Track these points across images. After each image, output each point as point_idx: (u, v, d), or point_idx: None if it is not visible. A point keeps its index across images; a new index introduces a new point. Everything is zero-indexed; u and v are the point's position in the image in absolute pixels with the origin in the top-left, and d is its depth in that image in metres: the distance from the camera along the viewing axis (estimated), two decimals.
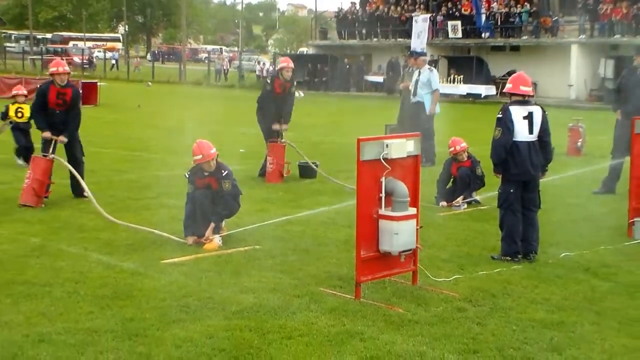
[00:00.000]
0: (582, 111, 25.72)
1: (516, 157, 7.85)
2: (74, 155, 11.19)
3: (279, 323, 5.99)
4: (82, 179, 10.79)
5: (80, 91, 11.35)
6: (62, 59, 12.20)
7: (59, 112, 10.91)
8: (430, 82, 15.30)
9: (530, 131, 7.89)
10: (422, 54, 17.36)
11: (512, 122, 7.83)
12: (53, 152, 10.80)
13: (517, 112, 7.87)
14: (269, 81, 13.46)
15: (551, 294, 6.84)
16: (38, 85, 12.10)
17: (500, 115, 7.91)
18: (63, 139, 10.91)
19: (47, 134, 10.85)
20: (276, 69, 14.05)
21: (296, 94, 15.04)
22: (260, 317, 6.12)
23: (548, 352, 5.55)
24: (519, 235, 7.97)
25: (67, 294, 6.64)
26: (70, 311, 6.22)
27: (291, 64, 13.17)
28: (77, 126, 11.19)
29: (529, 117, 7.89)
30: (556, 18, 39.96)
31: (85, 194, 10.18)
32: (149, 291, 6.75)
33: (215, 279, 7.18)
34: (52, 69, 10.95)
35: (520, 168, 7.87)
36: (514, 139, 7.84)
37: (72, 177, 10.84)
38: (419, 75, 15.28)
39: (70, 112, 11.01)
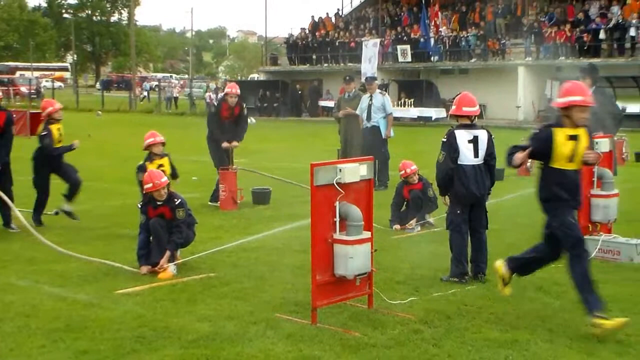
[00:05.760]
0: (530, 132, 26.18)
1: (462, 179, 7.94)
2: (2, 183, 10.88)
3: (235, 350, 5.96)
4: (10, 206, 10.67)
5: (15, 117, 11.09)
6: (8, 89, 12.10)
7: None
8: (384, 106, 15.44)
9: (476, 155, 7.99)
10: (374, 78, 17.54)
11: (457, 146, 7.93)
12: None
13: (462, 136, 7.96)
14: (215, 104, 13.50)
15: (505, 314, 6.92)
16: None
17: (444, 140, 7.99)
18: None
19: None
20: (222, 93, 14.08)
21: (247, 120, 15.01)
22: (217, 345, 6.08)
23: None
24: (466, 257, 8.07)
25: (17, 329, 6.52)
26: (22, 346, 6.10)
27: (236, 90, 13.18)
28: (7, 153, 10.95)
29: (475, 140, 7.98)
30: (503, 41, 40.79)
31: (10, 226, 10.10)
32: (103, 322, 6.66)
33: (170, 308, 7.13)
34: None
35: (466, 190, 7.96)
36: (460, 163, 7.94)
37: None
38: (372, 99, 15.40)
39: (3, 137, 10.77)
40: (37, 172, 11.47)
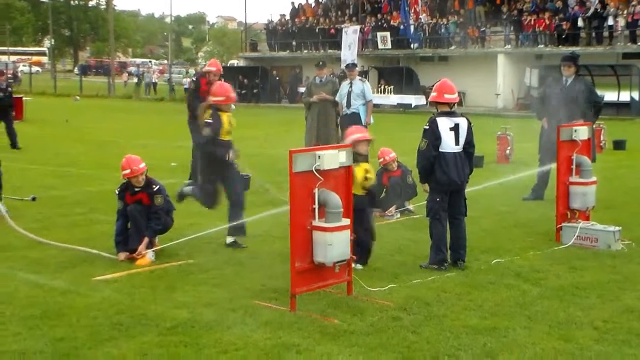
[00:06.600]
0: (509, 119, 26.27)
1: (443, 167, 7.93)
2: None
3: (214, 338, 5.93)
4: None
5: None
6: None
7: None
8: (364, 93, 15.38)
9: (457, 142, 8.00)
10: (355, 65, 17.47)
11: (439, 133, 7.92)
12: None
13: (444, 124, 7.95)
14: (194, 79, 13.10)
15: (484, 300, 6.93)
16: None
17: (427, 127, 7.97)
18: None
19: None
20: (203, 70, 13.71)
21: None
22: (195, 332, 6.04)
23: (481, 358, 5.61)
24: (445, 244, 8.08)
25: None
26: None
27: (219, 67, 12.75)
28: None
29: (455, 128, 7.98)
30: (483, 29, 40.87)
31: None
32: (80, 309, 6.59)
33: (148, 294, 7.07)
34: None
35: (447, 178, 7.96)
36: (441, 150, 7.93)
37: None
38: (351, 86, 15.33)
39: None
40: (204, 175, 9.44)
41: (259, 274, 7.75)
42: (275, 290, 7.14)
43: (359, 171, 7.93)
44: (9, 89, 20.44)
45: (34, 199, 11.84)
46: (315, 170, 6.58)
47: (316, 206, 6.65)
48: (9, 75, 56.51)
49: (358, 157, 7.90)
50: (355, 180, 7.56)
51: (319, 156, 6.60)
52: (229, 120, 9.18)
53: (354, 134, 8.24)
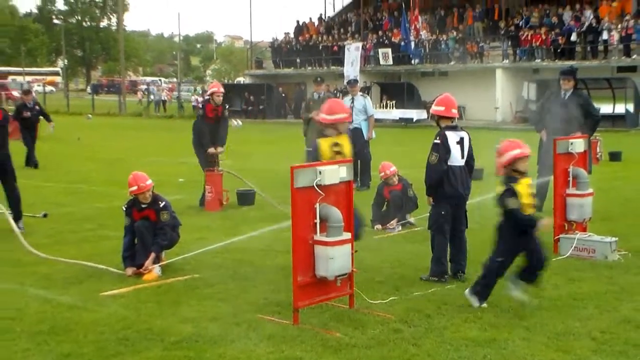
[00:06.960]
0: (508, 132, 26.33)
1: (452, 180, 8.06)
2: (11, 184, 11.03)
3: (218, 352, 6.03)
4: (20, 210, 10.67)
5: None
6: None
7: None
8: (365, 109, 15.57)
9: (462, 156, 8.14)
10: (356, 81, 17.66)
11: (449, 147, 8.05)
12: None
13: (452, 138, 8.10)
14: (201, 107, 13.54)
15: (483, 312, 7.02)
16: None
17: (438, 141, 8.06)
18: None
19: None
20: (207, 95, 14.12)
21: (234, 122, 15.08)
22: (200, 347, 6.15)
23: None
24: (446, 257, 8.19)
25: (1, 332, 6.57)
26: (5, 349, 6.15)
27: (221, 89, 13.41)
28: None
29: (461, 142, 8.13)
30: (481, 44, 41.23)
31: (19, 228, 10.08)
32: (87, 325, 6.72)
33: (154, 309, 7.19)
34: None
35: (454, 191, 8.09)
36: (449, 164, 8.06)
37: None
38: (353, 102, 15.52)
39: None
40: None
41: (263, 288, 7.86)
42: (278, 304, 7.25)
43: (523, 188, 7.08)
44: (36, 107, 20.70)
45: (45, 215, 12.03)
46: (317, 185, 6.71)
47: (317, 221, 6.76)
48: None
49: (520, 176, 7.14)
50: (521, 200, 7.02)
51: (320, 172, 6.71)
52: (335, 148, 8.24)
53: (513, 149, 7.19)
